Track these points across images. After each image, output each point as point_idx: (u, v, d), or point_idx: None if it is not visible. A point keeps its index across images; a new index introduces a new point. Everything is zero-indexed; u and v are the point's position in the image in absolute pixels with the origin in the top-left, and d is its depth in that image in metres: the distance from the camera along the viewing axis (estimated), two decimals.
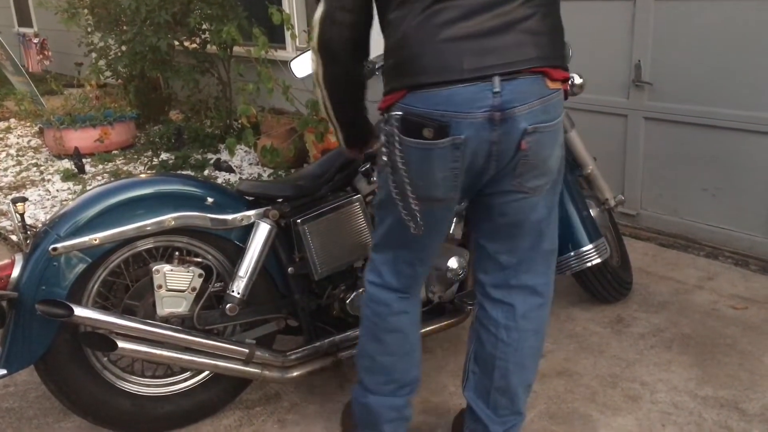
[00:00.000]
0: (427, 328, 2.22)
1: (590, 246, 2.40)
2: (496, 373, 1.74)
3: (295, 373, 2.06)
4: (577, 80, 2.49)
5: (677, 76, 3.08)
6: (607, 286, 2.59)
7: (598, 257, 2.41)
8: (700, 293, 2.75)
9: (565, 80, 1.54)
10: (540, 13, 1.47)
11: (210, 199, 1.97)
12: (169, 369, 2.09)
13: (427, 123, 1.46)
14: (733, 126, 2.95)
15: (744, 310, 2.60)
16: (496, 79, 1.43)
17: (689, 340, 2.42)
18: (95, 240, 1.83)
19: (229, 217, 1.97)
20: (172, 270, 1.93)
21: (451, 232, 2.27)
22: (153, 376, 2.07)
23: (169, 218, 1.89)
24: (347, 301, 2.10)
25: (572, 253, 2.40)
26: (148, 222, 1.88)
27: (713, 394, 2.13)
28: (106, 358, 1.99)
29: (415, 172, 1.52)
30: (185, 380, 2.08)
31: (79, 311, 1.79)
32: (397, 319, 1.76)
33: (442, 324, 2.25)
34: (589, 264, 2.41)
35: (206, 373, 2.07)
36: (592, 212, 2.53)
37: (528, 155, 1.50)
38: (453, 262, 2.20)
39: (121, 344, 1.84)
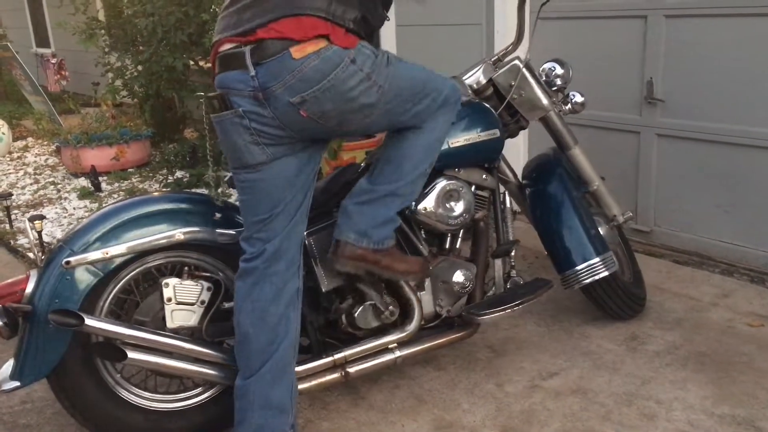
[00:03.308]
0: (436, 342, 2.22)
1: (597, 259, 2.39)
2: None
3: (301, 386, 2.04)
4: (579, 98, 2.52)
5: (690, 93, 3.07)
6: (619, 302, 2.57)
7: (606, 270, 2.40)
8: (716, 310, 2.72)
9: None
10: None
11: (218, 215, 1.99)
12: (182, 384, 2.10)
13: None
14: (747, 143, 2.93)
15: (760, 327, 2.57)
16: None
17: (705, 358, 2.39)
18: (107, 253, 1.86)
19: (237, 231, 1.99)
20: (181, 283, 1.96)
21: (457, 246, 2.27)
22: (166, 392, 2.08)
23: (178, 233, 1.92)
24: (355, 315, 2.09)
25: (579, 267, 2.40)
26: (158, 236, 1.91)
27: (730, 412, 2.10)
28: (119, 374, 2.00)
29: None
30: (198, 395, 2.08)
31: (90, 320, 1.81)
32: None
33: (451, 338, 2.25)
34: (597, 277, 2.40)
35: (218, 387, 2.08)
36: (601, 229, 2.52)
37: None
38: (459, 276, 2.20)
39: (131, 354, 1.85)
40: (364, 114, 1.77)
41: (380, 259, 1.94)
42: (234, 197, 4.56)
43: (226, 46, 1.73)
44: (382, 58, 1.78)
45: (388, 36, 4.27)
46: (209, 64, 5.66)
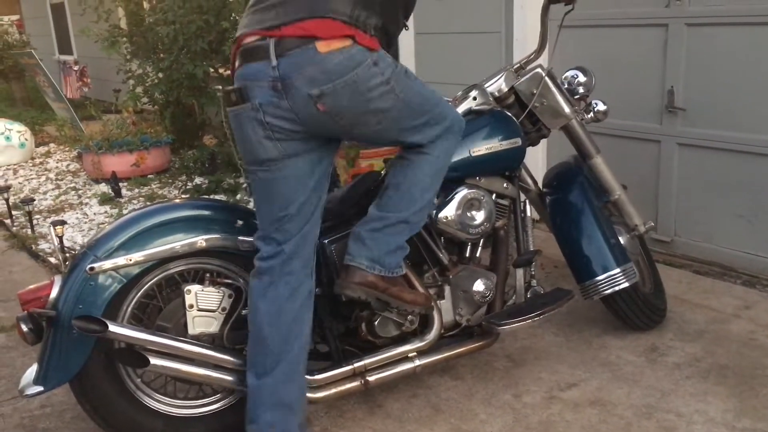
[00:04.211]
0: (455, 351, 2.21)
1: (618, 270, 2.38)
2: None
3: (321, 394, 2.05)
4: (601, 107, 2.51)
5: (711, 101, 3.05)
6: (638, 312, 2.55)
7: (626, 281, 2.38)
8: (737, 322, 2.69)
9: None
10: None
11: (239, 222, 2.01)
12: (201, 390, 2.11)
13: None
14: None
15: None
16: None
17: (726, 371, 2.36)
18: (130, 260, 1.88)
19: None
20: (203, 290, 1.97)
21: (477, 255, 2.27)
22: (185, 398, 2.09)
23: (200, 239, 1.94)
24: (375, 323, 2.10)
25: (599, 277, 2.39)
26: (180, 243, 1.93)
27: (751, 426, 2.07)
28: (139, 379, 2.02)
29: None
30: (217, 401, 2.10)
31: (114, 327, 1.83)
32: None
33: (471, 347, 2.24)
34: (617, 288, 2.39)
35: (237, 394, 2.08)
36: (621, 239, 2.50)
37: None
38: (479, 285, 2.20)
39: (153, 360, 1.87)
40: (377, 118, 1.80)
41: (389, 287, 1.97)
42: (252, 203, 4.58)
43: (250, 39, 1.75)
44: (401, 69, 1.82)
45: (407, 44, 4.28)
46: (228, 72, 5.72)
